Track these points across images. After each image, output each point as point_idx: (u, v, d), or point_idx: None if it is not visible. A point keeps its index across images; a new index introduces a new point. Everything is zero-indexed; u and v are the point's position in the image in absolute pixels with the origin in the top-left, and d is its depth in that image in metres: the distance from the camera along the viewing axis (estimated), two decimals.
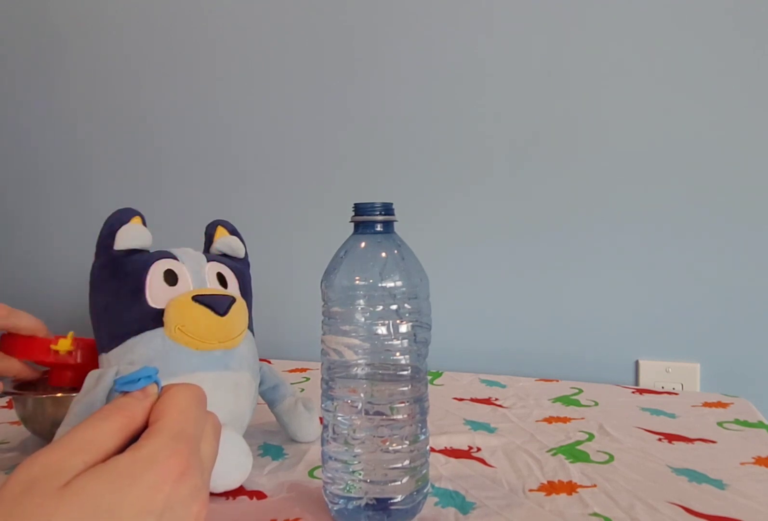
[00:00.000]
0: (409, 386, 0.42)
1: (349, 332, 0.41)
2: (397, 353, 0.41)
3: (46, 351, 0.55)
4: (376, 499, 0.41)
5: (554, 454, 0.56)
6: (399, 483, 0.41)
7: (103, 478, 0.24)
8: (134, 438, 0.27)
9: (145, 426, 0.28)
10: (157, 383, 0.30)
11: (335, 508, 0.42)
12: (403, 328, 0.41)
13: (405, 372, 0.42)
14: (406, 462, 0.41)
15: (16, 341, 0.55)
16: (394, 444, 0.41)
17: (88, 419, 0.27)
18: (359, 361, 0.41)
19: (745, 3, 0.84)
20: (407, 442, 0.41)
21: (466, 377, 0.88)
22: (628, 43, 0.89)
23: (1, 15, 1.28)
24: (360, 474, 0.41)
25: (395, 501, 0.41)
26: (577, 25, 0.91)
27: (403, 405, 0.41)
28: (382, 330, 0.40)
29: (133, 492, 0.24)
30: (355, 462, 0.41)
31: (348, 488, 0.41)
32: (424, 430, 0.43)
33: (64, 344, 0.55)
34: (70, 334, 0.57)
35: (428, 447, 0.44)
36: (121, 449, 0.27)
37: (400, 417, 0.41)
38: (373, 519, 0.41)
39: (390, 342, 0.41)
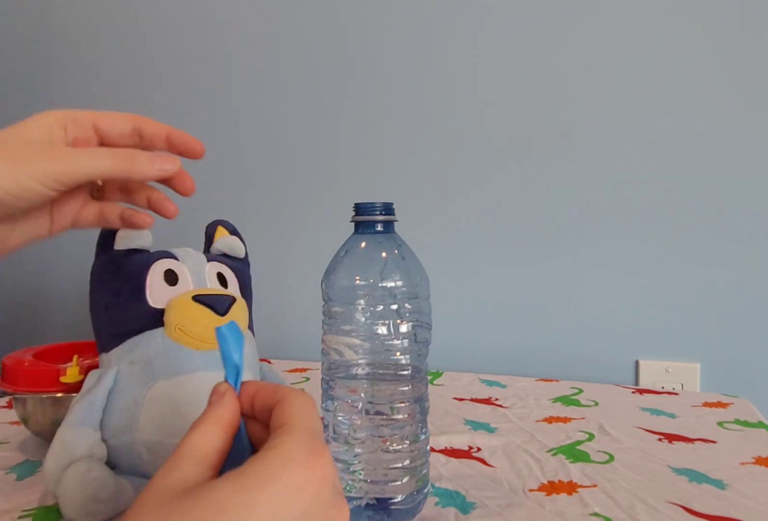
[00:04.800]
0: (410, 386, 0.42)
1: (349, 332, 0.41)
2: (398, 353, 0.41)
3: (55, 383, 0.55)
4: (377, 499, 0.40)
5: (554, 454, 0.56)
6: (399, 483, 0.41)
7: (232, 480, 0.21)
8: (237, 440, 0.26)
9: (239, 422, 0.27)
10: (238, 370, 0.29)
11: None
12: (404, 328, 0.41)
13: (405, 372, 0.42)
14: (407, 462, 0.41)
15: (22, 372, 0.55)
16: (394, 444, 0.41)
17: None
18: (359, 361, 0.41)
19: (746, 3, 0.84)
20: (407, 442, 0.41)
21: (466, 377, 0.88)
22: (626, 42, 0.89)
23: (2, 15, 1.28)
24: (360, 474, 0.40)
25: (396, 500, 0.41)
26: (575, 24, 0.92)
27: (403, 404, 0.41)
28: (382, 330, 0.40)
29: (268, 492, 0.21)
30: (356, 462, 0.41)
31: (348, 488, 0.41)
32: (424, 430, 0.43)
33: (72, 375, 0.55)
34: (75, 360, 0.56)
35: (428, 447, 0.44)
36: (228, 445, 0.26)
37: (400, 416, 0.41)
38: (373, 519, 0.41)
39: (390, 342, 0.41)
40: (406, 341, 0.41)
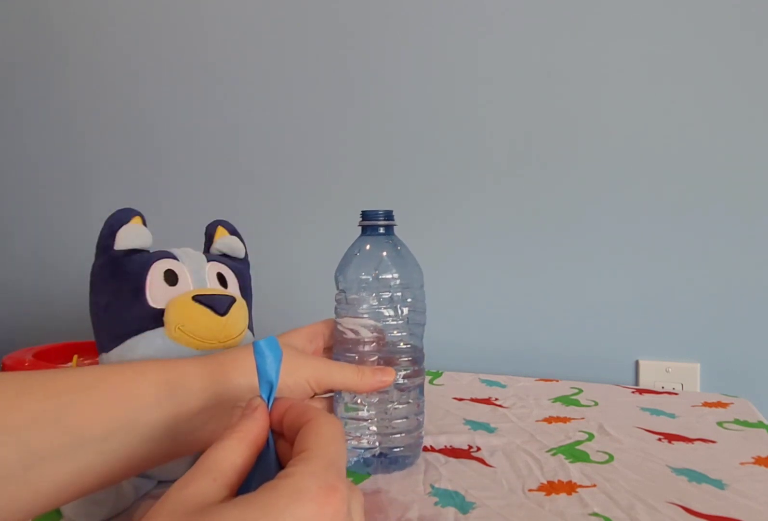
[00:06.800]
0: (411, 358, 0.51)
1: (362, 314, 0.50)
2: (397, 332, 0.51)
3: None
4: (388, 448, 0.50)
5: (554, 454, 0.56)
6: (402, 435, 0.50)
7: (240, 507, 0.22)
8: (264, 455, 0.27)
9: (266, 439, 0.27)
10: (271, 385, 0.29)
11: (353, 459, 0.51)
12: (404, 311, 0.50)
13: (406, 346, 0.51)
14: (410, 418, 0.51)
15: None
16: (400, 404, 0.50)
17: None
18: (368, 339, 0.50)
19: (746, 3, 0.84)
20: (411, 401, 0.51)
21: (466, 377, 0.87)
22: (626, 42, 0.89)
23: (0, 15, 1.28)
24: (374, 428, 0.50)
25: (400, 449, 0.51)
26: (574, 24, 0.92)
27: (406, 372, 0.51)
28: (388, 312, 0.50)
29: None
30: (369, 420, 0.50)
31: (364, 440, 0.50)
32: (421, 392, 0.53)
33: None
34: (75, 360, 0.56)
35: (424, 407, 0.53)
36: (250, 462, 0.26)
37: (404, 382, 0.50)
38: (383, 463, 0.50)
39: (393, 323, 0.50)
40: (405, 322, 0.51)
